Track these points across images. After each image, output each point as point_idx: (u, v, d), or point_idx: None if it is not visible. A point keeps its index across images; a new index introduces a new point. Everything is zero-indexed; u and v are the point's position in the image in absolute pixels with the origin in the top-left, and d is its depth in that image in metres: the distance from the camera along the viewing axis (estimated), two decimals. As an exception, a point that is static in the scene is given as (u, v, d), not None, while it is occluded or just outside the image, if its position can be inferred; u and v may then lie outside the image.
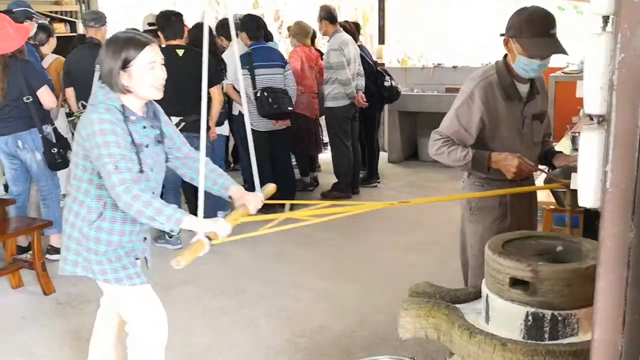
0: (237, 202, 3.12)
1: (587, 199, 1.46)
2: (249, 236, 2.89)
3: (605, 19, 1.39)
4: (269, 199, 3.29)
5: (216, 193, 3.23)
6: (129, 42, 2.87)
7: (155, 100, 3.14)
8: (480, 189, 3.39)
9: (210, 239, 2.71)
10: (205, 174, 3.10)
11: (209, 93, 5.88)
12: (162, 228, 2.83)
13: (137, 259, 3.16)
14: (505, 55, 3.28)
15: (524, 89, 3.29)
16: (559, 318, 2.23)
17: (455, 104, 3.28)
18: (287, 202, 3.07)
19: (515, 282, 2.28)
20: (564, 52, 3.10)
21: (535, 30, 3.07)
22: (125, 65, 2.84)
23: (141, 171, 2.91)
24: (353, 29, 7.97)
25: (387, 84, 8.00)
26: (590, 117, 4.95)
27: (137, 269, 3.13)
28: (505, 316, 2.33)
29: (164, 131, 3.13)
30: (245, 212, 3.02)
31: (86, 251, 3.03)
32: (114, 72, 2.85)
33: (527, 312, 2.26)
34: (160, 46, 6.01)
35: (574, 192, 3.07)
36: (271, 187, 3.28)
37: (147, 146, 2.98)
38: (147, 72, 2.87)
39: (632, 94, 1.30)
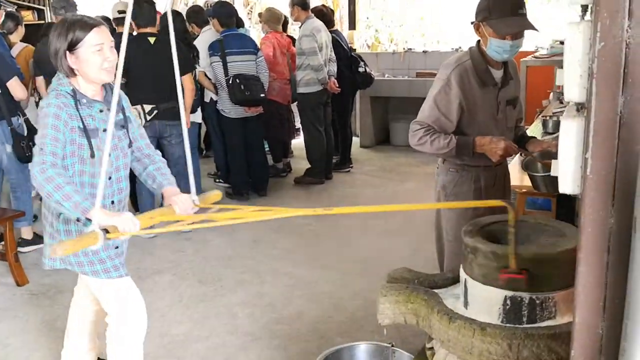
0: (166, 201, 3.03)
1: (567, 186, 1.48)
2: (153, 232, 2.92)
3: (584, 7, 1.41)
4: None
5: (151, 189, 3.21)
6: (76, 24, 2.86)
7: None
8: (455, 174, 3.41)
9: (107, 232, 2.60)
10: (150, 171, 3.15)
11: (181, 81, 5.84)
12: (68, 214, 2.78)
13: (116, 247, 3.13)
14: (478, 42, 3.29)
15: (497, 74, 3.31)
16: (537, 301, 2.26)
17: (432, 92, 3.27)
18: (220, 207, 2.97)
19: (494, 266, 2.31)
20: (533, 28, 3.11)
21: (503, 10, 3.09)
22: (71, 47, 2.84)
23: (92, 155, 2.90)
24: (330, 14, 7.96)
25: (361, 69, 8.03)
26: (561, 101, 4.98)
27: (115, 262, 3.09)
28: (484, 300, 2.35)
29: (128, 116, 3.13)
30: (169, 212, 2.91)
31: None
32: (60, 53, 2.86)
33: (506, 295, 2.28)
34: (132, 34, 5.99)
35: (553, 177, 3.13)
36: (214, 194, 3.13)
37: (104, 130, 2.89)
38: (95, 55, 2.86)
39: (611, 81, 1.32)
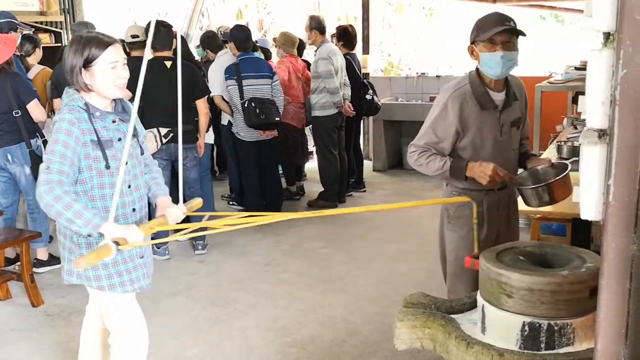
0: (159, 211, 3.17)
1: (590, 212, 1.48)
2: (162, 241, 3.07)
3: (607, 35, 1.42)
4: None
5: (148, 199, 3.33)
6: (92, 42, 2.91)
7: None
8: (457, 197, 3.43)
9: (118, 244, 2.72)
10: (146, 179, 3.25)
11: (195, 105, 5.88)
12: (80, 231, 2.84)
13: (141, 257, 3.19)
14: (477, 67, 3.33)
15: (498, 97, 3.34)
16: (555, 328, 2.25)
17: (431, 116, 3.35)
18: (207, 214, 3.13)
19: (511, 292, 2.30)
20: (520, 33, 3.17)
21: (489, 24, 3.17)
22: (87, 63, 2.89)
23: (107, 167, 2.95)
24: (353, 35, 7.95)
25: (368, 97, 7.97)
26: (575, 126, 4.96)
27: (131, 276, 3.13)
28: (502, 326, 2.35)
29: (136, 126, 3.17)
30: (164, 222, 3.06)
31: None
32: (75, 69, 2.91)
33: (524, 322, 2.28)
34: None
35: (539, 190, 3.11)
36: (196, 202, 3.32)
37: (119, 140, 3.01)
38: (109, 72, 2.91)
39: (634, 108, 1.32)
